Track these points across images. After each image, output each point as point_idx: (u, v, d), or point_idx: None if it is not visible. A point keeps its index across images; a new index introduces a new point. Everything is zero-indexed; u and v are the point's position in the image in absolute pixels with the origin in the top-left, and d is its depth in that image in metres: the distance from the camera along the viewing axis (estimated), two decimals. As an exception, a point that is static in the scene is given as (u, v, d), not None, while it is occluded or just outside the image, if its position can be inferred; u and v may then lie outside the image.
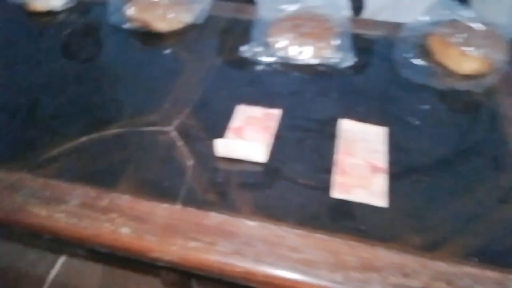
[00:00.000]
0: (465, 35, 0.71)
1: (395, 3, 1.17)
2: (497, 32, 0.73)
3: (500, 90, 0.68)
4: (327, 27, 0.76)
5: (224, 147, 0.56)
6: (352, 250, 0.46)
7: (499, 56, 0.70)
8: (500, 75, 0.69)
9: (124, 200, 0.52)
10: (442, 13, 0.76)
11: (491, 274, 0.44)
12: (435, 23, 0.75)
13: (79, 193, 0.53)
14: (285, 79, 0.71)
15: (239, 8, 0.88)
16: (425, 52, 0.74)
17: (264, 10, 0.81)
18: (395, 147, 0.58)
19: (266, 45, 0.75)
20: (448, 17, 0.75)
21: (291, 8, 0.80)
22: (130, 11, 0.82)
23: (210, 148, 0.57)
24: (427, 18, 0.76)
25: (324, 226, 0.49)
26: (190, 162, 0.57)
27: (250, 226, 0.49)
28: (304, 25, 0.76)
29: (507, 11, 1.10)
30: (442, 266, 0.45)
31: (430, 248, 0.47)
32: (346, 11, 0.81)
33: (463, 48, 0.70)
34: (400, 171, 0.55)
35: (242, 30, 0.80)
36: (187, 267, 0.47)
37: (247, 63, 0.73)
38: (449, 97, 0.67)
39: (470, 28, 0.73)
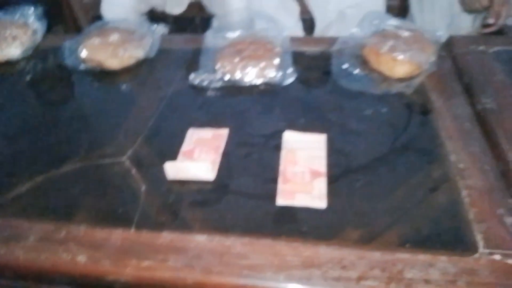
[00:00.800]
0: (394, 42, 0.77)
1: (339, 18, 1.25)
2: (423, 36, 0.79)
3: (429, 88, 0.73)
4: (268, 48, 0.81)
5: (173, 169, 0.60)
6: (294, 251, 0.49)
7: (426, 58, 0.76)
8: (428, 75, 0.75)
9: (81, 230, 0.54)
10: (372, 24, 0.82)
11: (421, 257, 0.48)
12: (367, 34, 0.81)
13: (37, 228, 0.55)
14: (232, 100, 0.75)
15: (188, 39, 0.94)
16: (361, 62, 0.80)
17: (211, 39, 0.86)
18: (334, 152, 0.62)
19: (214, 71, 0.80)
20: (378, 28, 0.81)
21: (235, 35, 0.86)
22: (83, 53, 0.86)
23: (162, 172, 0.60)
24: (359, 30, 0.82)
25: (269, 232, 0.52)
26: (143, 188, 0.60)
27: (199, 240, 0.52)
28: (247, 49, 0.81)
29: (440, 19, 1.18)
30: (377, 255, 0.48)
31: (367, 240, 0.50)
32: (286, 32, 0.86)
33: (394, 54, 0.75)
34: (339, 173, 0.59)
35: (191, 60, 0.85)
36: (143, 286, 0.50)
37: (197, 90, 0.78)
38: (384, 100, 0.72)
39: (398, 35, 0.79)
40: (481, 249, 0.48)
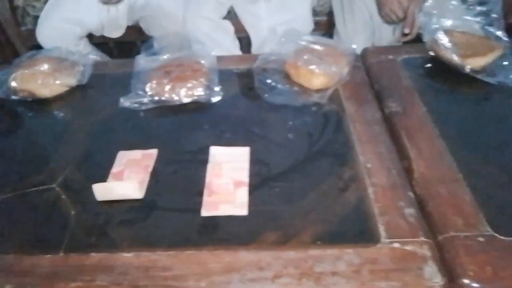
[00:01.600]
0: (311, 56, 0.83)
1: (271, 36, 1.32)
2: (337, 50, 0.87)
3: (343, 97, 0.80)
4: (195, 68, 0.85)
5: (101, 190, 0.62)
6: (216, 258, 0.53)
7: (340, 69, 0.83)
8: (343, 84, 0.82)
9: (8, 259, 0.55)
10: (291, 41, 0.88)
11: (330, 252, 0.52)
12: (288, 51, 0.87)
13: (-37, 263, 0.55)
14: (162, 120, 0.78)
15: (120, 64, 0.96)
16: (283, 76, 0.86)
17: (141, 62, 0.89)
18: (257, 162, 0.67)
19: (144, 94, 0.83)
20: (296, 44, 0.87)
21: (164, 57, 0.89)
22: (13, 83, 0.86)
23: (92, 195, 0.62)
24: (280, 47, 0.88)
25: (193, 243, 0.55)
26: (73, 212, 0.61)
27: (126, 257, 0.54)
28: (175, 70, 0.85)
29: (362, 31, 1.27)
30: (291, 254, 0.53)
31: (283, 242, 0.55)
32: (213, 52, 0.91)
33: (310, 68, 0.82)
34: (259, 182, 0.64)
35: (123, 84, 0.88)
36: (71, 308, 0.51)
37: (128, 113, 0.80)
38: (304, 111, 0.78)
39: (314, 50, 0.85)
40: (383, 239, 0.54)
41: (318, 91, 0.82)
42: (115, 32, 1.44)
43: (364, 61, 0.91)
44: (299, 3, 1.34)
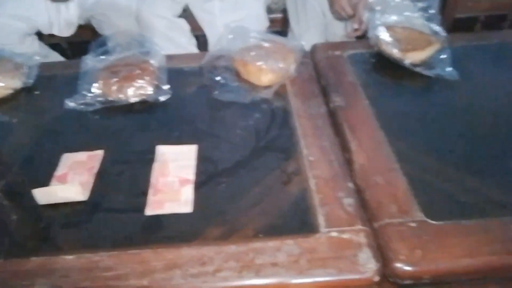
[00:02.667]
0: (259, 53, 0.85)
1: (226, 33, 1.32)
2: (285, 46, 0.88)
3: (291, 92, 0.81)
4: (143, 67, 0.84)
5: (42, 195, 0.61)
6: (158, 256, 0.53)
7: (287, 66, 0.84)
8: (291, 80, 0.83)
9: None
10: (241, 38, 0.89)
11: (271, 244, 0.54)
12: (237, 48, 0.88)
13: None
14: (109, 121, 0.78)
15: (67, 65, 0.94)
16: (233, 73, 0.86)
17: (88, 63, 0.87)
18: (203, 160, 0.68)
19: (91, 94, 0.81)
20: (246, 41, 0.88)
21: (112, 57, 0.88)
22: (-48, 87, 0.83)
23: (35, 200, 0.61)
24: (229, 45, 0.89)
25: (136, 242, 0.55)
26: (14, 217, 0.60)
27: (67, 260, 0.53)
28: (123, 69, 0.84)
29: (315, 27, 1.30)
30: (233, 248, 0.54)
31: (226, 237, 0.56)
32: (169, 51, 0.90)
33: (258, 64, 0.83)
34: (205, 179, 0.64)
35: (70, 84, 0.86)
36: (10, 314, 0.50)
37: (74, 114, 0.79)
38: (252, 107, 0.79)
39: (263, 47, 0.87)
40: (322, 229, 0.56)
41: (266, 87, 0.83)
42: (66, 31, 1.40)
43: (312, 57, 0.93)
44: (253, 1, 1.35)
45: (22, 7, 1.31)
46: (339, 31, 1.34)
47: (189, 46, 1.42)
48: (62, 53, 1.57)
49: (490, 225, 0.55)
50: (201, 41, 1.48)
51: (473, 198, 0.59)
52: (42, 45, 1.46)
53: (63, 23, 1.38)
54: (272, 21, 1.45)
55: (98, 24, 1.39)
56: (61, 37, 1.46)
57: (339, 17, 1.26)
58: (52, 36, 1.45)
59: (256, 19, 1.36)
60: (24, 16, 1.31)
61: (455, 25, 1.48)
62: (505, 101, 0.76)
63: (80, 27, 1.45)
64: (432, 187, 0.61)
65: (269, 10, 1.46)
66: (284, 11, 1.45)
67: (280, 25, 1.46)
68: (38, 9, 1.32)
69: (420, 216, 0.56)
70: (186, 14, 1.44)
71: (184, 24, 1.40)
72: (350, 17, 1.24)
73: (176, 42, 1.39)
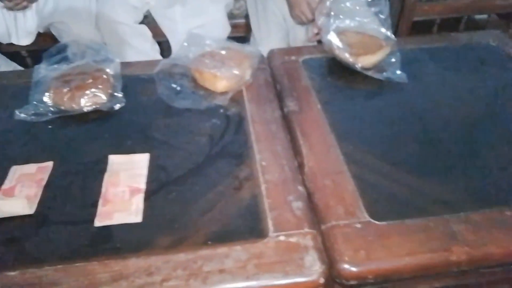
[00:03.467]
0: (214, 60, 0.85)
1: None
2: (241, 53, 0.89)
3: (246, 98, 0.82)
4: (96, 76, 0.83)
5: (-14, 210, 0.59)
6: (105, 268, 0.52)
7: (243, 72, 0.85)
8: (247, 86, 0.84)
9: None
10: (197, 45, 0.89)
11: (220, 250, 0.54)
12: (193, 55, 0.88)
13: None
14: (61, 131, 0.76)
15: (19, 74, 0.92)
16: (189, 80, 0.86)
17: (41, 72, 0.86)
18: (156, 168, 0.67)
19: (42, 104, 0.80)
20: (202, 48, 0.89)
21: (64, 66, 0.87)
22: None
23: (-22, 215, 0.59)
24: (185, 51, 0.89)
25: (83, 255, 0.54)
26: (-44, 234, 0.58)
27: (10, 276, 0.52)
28: (76, 79, 0.82)
29: (276, 32, 1.32)
30: (181, 256, 0.53)
31: (175, 245, 0.55)
32: (126, 58, 0.89)
33: (213, 71, 0.83)
34: (157, 187, 0.64)
35: (21, 95, 0.84)
36: None
37: (24, 125, 0.77)
38: (207, 114, 0.79)
39: (218, 54, 0.87)
40: (271, 233, 0.56)
41: (221, 94, 0.83)
42: (25, 40, 1.37)
43: (269, 63, 0.94)
44: (214, 7, 1.35)
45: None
46: (300, 36, 1.36)
47: (152, 52, 1.41)
48: (22, 62, 1.53)
49: (432, 224, 0.57)
50: (165, 47, 1.48)
51: (417, 198, 0.61)
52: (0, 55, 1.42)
53: (22, 32, 1.35)
54: (235, 26, 1.46)
55: (58, 32, 1.37)
56: (21, 46, 1.43)
57: (300, 21, 1.27)
58: (11, 44, 1.42)
59: (218, 24, 1.36)
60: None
61: (413, 28, 1.53)
62: (452, 103, 0.79)
63: (40, 35, 1.42)
64: (378, 188, 0.62)
65: (232, 16, 1.47)
66: (247, 16, 1.46)
67: (243, 31, 1.47)
68: None
69: (365, 217, 0.58)
70: (149, 20, 1.43)
71: (145, 31, 1.39)
72: (310, 22, 1.26)
73: (139, 48, 1.38)
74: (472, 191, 0.61)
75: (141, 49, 1.39)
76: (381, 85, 0.84)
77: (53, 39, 1.45)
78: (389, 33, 0.90)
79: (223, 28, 1.38)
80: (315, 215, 0.60)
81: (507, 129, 0.73)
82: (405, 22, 1.46)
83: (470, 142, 0.71)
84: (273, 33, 1.32)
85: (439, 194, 0.61)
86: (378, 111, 0.78)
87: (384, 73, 0.84)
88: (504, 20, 1.63)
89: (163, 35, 1.43)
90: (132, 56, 1.34)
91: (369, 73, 0.85)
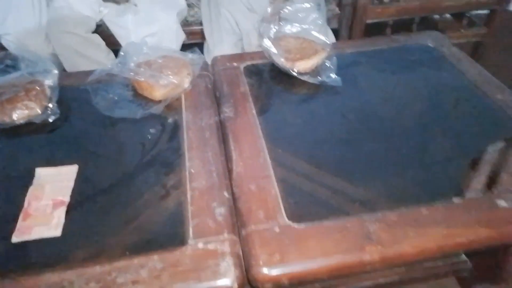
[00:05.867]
0: (151, 69, 0.85)
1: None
2: (180, 61, 0.89)
3: (184, 106, 0.82)
4: (29, 88, 0.82)
5: None
6: (17, 285, 0.52)
7: (181, 80, 0.85)
8: (186, 93, 0.84)
9: None
10: (135, 53, 0.89)
11: (136, 261, 0.54)
12: (131, 64, 0.88)
13: None
14: (-10, 146, 0.75)
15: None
16: (129, 89, 0.86)
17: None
18: (83, 180, 0.67)
19: (-27, 119, 0.78)
20: (139, 57, 0.88)
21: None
22: None
23: None
24: (123, 60, 0.88)
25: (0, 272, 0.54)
26: None
27: None
28: (7, 91, 0.81)
29: (227, 37, 1.32)
30: (97, 269, 0.53)
31: (92, 258, 0.55)
32: (55, 70, 0.89)
33: (150, 80, 0.83)
34: (81, 200, 0.63)
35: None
36: None
37: (-47, 140, 0.76)
38: (143, 122, 0.79)
39: (156, 62, 0.87)
40: (190, 241, 0.56)
41: (160, 102, 0.83)
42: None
43: (212, 70, 0.94)
44: (166, 15, 1.35)
45: None
46: (254, 41, 1.37)
47: (107, 61, 1.40)
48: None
49: (349, 224, 0.57)
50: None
51: (337, 199, 0.62)
52: None
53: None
54: (191, 33, 1.46)
55: (7, 44, 1.34)
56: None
57: None
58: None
59: (171, 32, 1.36)
60: None
61: (368, 30, 1.56)
62: (383, 105, 0.81)
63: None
64: (300, 191, 0.63)
65: (187, 23, 1.47)
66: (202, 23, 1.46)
67: (199, 37, 1.47)
68: None
69: (284, 220, 0.58)
70: (102, 28, 1.42)
71: (98, 40, 1.37)
72: None
73: (92, 58, 1.36)
74: (390, 190, 0.62)
75: (95, 58, 1.37)
76: (316, 89, 0.85)
77: (4, 50, 1.43)
78: (325, 38, 0.91)
79: (177, 36, 1.38)
80: (237, 220, 0.60)
81: (430, 129, 0.75)
82: (358, 25, 1.48)
83: (392, 142, 0.72)
84: (226, 39, 1.33)
85: (359, 194, 0.62)
86: (310, 115, 0.79)
87: (319, 77, 0.85)
88: (457, 19, 1.67)
89: (115, 44, 1.42)
90: (86, 66, 1.33)
91: (305, 77, 0.86)
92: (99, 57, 1.39)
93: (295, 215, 0.59)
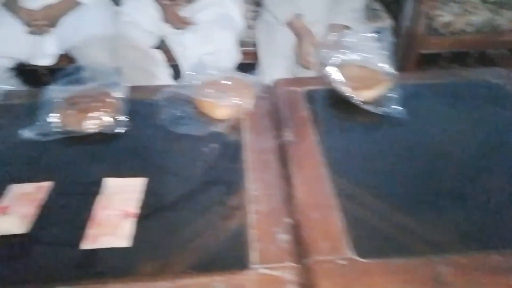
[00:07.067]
0: (216, 89, 0.87)
1: (199, 64, 1.35)
2: (243, 82, 0.91)
3: (245, 126, 0.83)
4: (103, 99, 0.86)
5: (-20, 226, 0.61)
6: (86, 293, 0.53)
7: (244, 101, 0.87)
8: (247, 114, 0.86)
9: None
10: (200, 73, 0.92)
11: (200, 280, 0.55)
12: (196, 83, 0.91)
13: None
14: (64, 152, 0.79)
15: (31, 93, 0.96)
16: (191, 107, 0.88)
17: (50, 93, 0.89)
18: (150, 193, 0.69)
19: (49, 124, 0.83)
20: (205, 76, 0.91)
21: (73, 88, 0.90)
22: None
23: (-27, 231, 0.61)
24: (189, 79, 0.91)
25: (67, 279, 0.56)
26: (-51, 249, 0.60)
27: (-5, 294, 0.53)
28: (83, 101, 0.86)
29: (282, 60, 1.34)
30: (161, 285, 0.54)
31: (158, 272, 0.56)
32: (124, 83, 0.93)
33: (214, 100, 0.85)
34: (149, 212, 0.65)
35: (30, 114, 0.87)
36: None
37: (29, 144, 0.80)
38: (206, 140, 0.80)
39: (220, 83, 0.89)
40: (253, 265, 0.56)
41: (221, 121, 0.85)
42: (44, 61, 1.43)
43: (272, 92, 0.96)
44: (224, 35, 1.39)
45: (5, 43, 1.34)
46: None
47: (164, 76, 1.45)
48: (38, 79, 1.59)
49: (416, 264, 0.56)
50: (177, 70, 1.52)
51: (404, 236, 0.60)
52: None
53: (42, 54, 1.42)
54: (245, 53, 1.49)
55: (76, 55, 1.42)
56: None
57: (304, 66, 1.31)
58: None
59: (227, 52, 1.40)
60: (7, 52, 1.35)
61: (420, 60, 1.54)
62: (448, 141, 0.79)
63: (60, 55, 1.48)
64: (366, 224, 0.62)
65: (243, 44, 1.50)
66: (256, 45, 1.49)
67: (253, 58, 1.50)
68: (20, 44, 1.35)
69: (350, 253, 0.57)
70: (163, 45, 1.48)
71: (158, 55, 1.43)
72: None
73: (151, 72, 1.42)
74: (460, 232, 0.60)
75: (153, 72, 1.43)
76: (379, 119, 0.84)
77: (71, 60, 1.51)
78: (390, 68, 0.91)
79: (233, 55, 1.42)
80: (299, 248, 0.59)
81: (502, 171, 0.72)
82: (412, 54, 1.47)
83: (463, 182, 0.70)
84: (279, 63, 1.35)
85: (427, 233, 0.60)
86: (374, 145, 0.78)
87: (383, 108, 0.84)
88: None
89: (172, 60, 1.48)
90: (144, 80, 1.38)
91: (368, 107, 0.85)
92: (157, 72, 1.44)
93: (361, 249, 0.58)
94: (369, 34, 0.95)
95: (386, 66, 0.92)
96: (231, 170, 0.74)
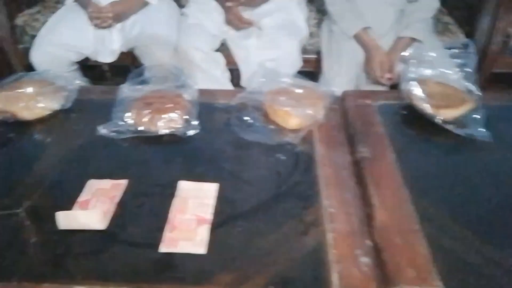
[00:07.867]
0: (288, 97, 0.86)
1: (260, 70, 1.35)
2: (315, 92, 0.89)
3: (317, 139, 0.81)
4: (176, 101, 0.87)
5: (64, 218, 0.62)
6: (166, 297, 0.53)
7: (316, 112, 0.85)
8: (318, 126, 0.83)
9: (-40, 285, 0.55)
10: (272, 80, 0.91)
11: (279, 297, 0.53)
12: (268, 89, 0.89)
13: None
14: (137, 151, 0.80)
15: (104, 91, 0.98)
16: (261, 114, 0.87)
17: (124, 91, 0.91)
18: (223, 200, 0.68)
19: (123, 123, 0.84)
20: (276, 84, 0.90)
21: (147, 88, 0.91)
22: (-4, 104, 0.88)
23: (55, 224, 0.63)
24: (260, 86, 0.90)
25: (147, 279, 0.55)
26: (33, 240, 0.62)
27: (77, 290, 0.54)
28: (156, 101, 0.87)
29: (347, 71, 1.31)
30: (242, 297, 0.53)
31: (237, 283, 0.55)
32: (203, 83, 0.93)
33: (286, 109, 0.83)
34: (223, 220, 0.64)
35: (105, 111, 0.89)
36: None
37: (104, 141, 0.81)
38: (277, 149, 0.79)
39: (293, 91, 0.88)
40: (335, 287, 0.54)
41: (293, 131, 0.83)
42: (108, 58, 1.47)
43: (342, 104, 0.93)
44: (288, 42, 1.38)
45: (73, 37, 1.39)
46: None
47: (223, 79, 1.46)
48: (102, 75, 1.64)
49: (513, 304, 0.51)
50: (235, 74, 1.52)
51: (493, 270, 0.56)
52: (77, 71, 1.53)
53: (107, 51, 1.46)
54: (306, 61, 1.47)
55: (140, 54, 1.46)
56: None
57: (371, 77, 1.27)
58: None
59: (290, 58, 1.38)
60: (72, 45, 1.41)
61: (491, 79, 1.46)
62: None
63: (122, 53, 1.52)
64: (452, 254, 0.58)
65: (304, 51, 1.48)
66: (319, 52, 1.47)
67: (313, 66, 1.48)
68: (87, 39, 1.40)
69: (439, 285, 0.53)
70: (224, 48, 1.48)
71: (220, 58, 1.44)
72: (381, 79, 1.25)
73: (211, 74, 1.43)
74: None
75: (213, 74, 1.43)
76: (461, 141, 0.79)
77: (133, 58, 1.55)
78: (473, 88, 0.86)
79: (295, 62, 1.40)
80: (383, 273, 0.56)
81: None
82: (484, 73, 1.39)
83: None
84: (343, 73, 1.32)
85: (518, 268, 0.56)
86: (457, 169, 0.74)
87: (466, 129, 0.80)
88: None
89: (235, 64, 1.48)
90: (203, 81, 1.39)
91: (450, 127, 0.81)
92: (216, 74, 1.45)
93: (448, 280, 0.54)
94: (453, 50, 0.90)
95: (469, 84, 0.87)
96: (305, 183, 0.72)
